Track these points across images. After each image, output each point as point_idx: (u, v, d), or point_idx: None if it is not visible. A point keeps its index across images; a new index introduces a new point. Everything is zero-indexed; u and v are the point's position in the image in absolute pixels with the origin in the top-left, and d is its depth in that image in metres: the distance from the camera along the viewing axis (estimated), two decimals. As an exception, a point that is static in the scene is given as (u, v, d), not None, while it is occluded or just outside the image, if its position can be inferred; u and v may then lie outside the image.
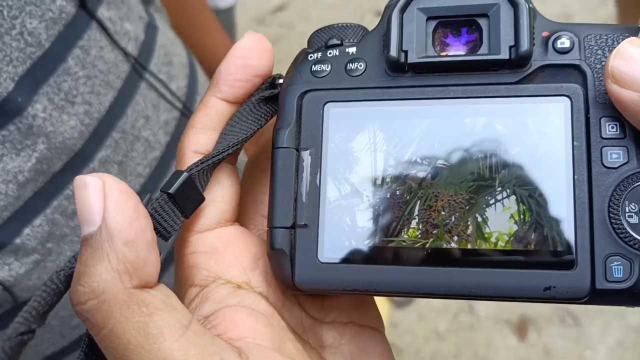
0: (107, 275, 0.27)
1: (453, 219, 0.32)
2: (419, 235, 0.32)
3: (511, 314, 1.78)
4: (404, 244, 0.32)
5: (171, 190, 0.31)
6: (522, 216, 0.31)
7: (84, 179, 0.28)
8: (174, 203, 0.32)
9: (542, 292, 0.30)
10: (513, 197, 0.31)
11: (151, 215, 0.30)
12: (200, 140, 0.34)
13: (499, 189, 0.31)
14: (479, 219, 0.31)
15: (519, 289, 0.30)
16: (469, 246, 0.31)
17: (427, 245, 0.32)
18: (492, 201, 0.31)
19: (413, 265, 0.31)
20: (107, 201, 0.27)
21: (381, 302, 1.80)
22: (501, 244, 0.31)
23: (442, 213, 0.32)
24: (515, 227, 0.31)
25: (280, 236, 0.33)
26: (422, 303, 1.84)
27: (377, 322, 0.36)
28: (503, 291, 0.30)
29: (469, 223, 0.31)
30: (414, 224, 0.32)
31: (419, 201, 0.32)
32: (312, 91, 0.34)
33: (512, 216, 0.31)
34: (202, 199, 0.33)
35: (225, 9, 1.40)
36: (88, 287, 0.27)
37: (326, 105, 0.34)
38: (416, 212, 0.32)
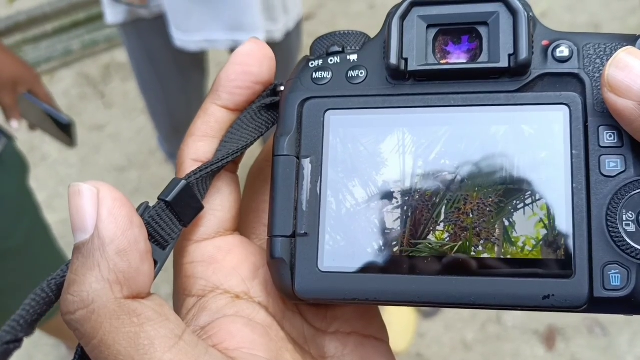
0: (98, 284, 0.26)
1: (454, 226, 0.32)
2: (447, 239, 0.32)
3: (539, 324, 1.77)
4: (415, 251, 0.31)
5: (169, 198, 0.31)
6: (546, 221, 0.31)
7: (78, 186, 0.28)
8: (171, 211, 0.31)
9: (541, 300, 0.30)
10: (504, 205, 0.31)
11: (148, 223, 0.30)
12: (199, 148, 0.33)
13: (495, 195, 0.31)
14: (505, 223, 0.31)
15: (518, 297, 0.30)
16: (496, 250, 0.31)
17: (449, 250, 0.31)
18: (496, 208, 0.31)
19: (412, 274, 0.31)
20: (100, 209, 0.27)
21: (408, 313, 1.80)
22: (528, 249, 0.30)
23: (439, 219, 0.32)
24: (544, 232, 0.31)
25: (280, 245, 0.32)
26: (449, 313, 1.83)
27: (381, 333, 0.36)
28: (503, 300, 0.30)
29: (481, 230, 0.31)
30: (440, 226, 0.32)
31: (441, 206, 0.32)
32: (313, 98, 0.34)
33: (535, 221, 0.31)
34: (201, 208, 0.33)
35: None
36: (78, 296, 0.26)
37: (327, 113, 0.33)
38: (442, 216, 0.32)
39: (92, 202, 0.27)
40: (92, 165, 2.35)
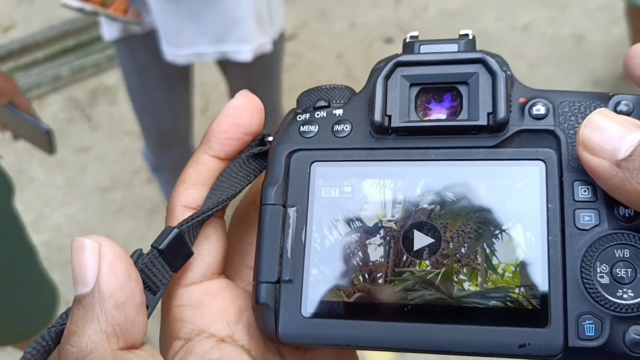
0: (96, 336, 0.28)
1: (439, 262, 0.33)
2: (430, 266, 0.33)
3: None
4: (388, 299, 0.32)
5: (162, 247, 0.32)
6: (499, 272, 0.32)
7: (81, 240, 0.29)
8: (164, 258, 0.32)
9: (517, 349, 0.30)
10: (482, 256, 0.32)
11: (141, 270, 0.31)
12: (190, 195, 0.35)
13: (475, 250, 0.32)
14: (487, 251, 0.32)
15: (495, 345, 0.30)
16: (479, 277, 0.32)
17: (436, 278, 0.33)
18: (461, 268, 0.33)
19: (393, 321, 0.32)
20: (101, 264, 0.29)
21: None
22: (508, 275, 0.32)
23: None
24: (521, 282, 0.32)
25: (265, 291, 0.33)
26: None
27: None
28: (479, 347, 0.31)
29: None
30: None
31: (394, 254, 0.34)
32: (300, 151, 0.35)
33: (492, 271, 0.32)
34: (191, 254, 0.34)
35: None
36: (76, 347, 0.28)
37: (313, 165, 0.35)
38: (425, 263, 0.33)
39: (93, 257, 0.29)
40: (77, 187, 2.37)
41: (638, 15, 2.00)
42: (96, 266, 0.29)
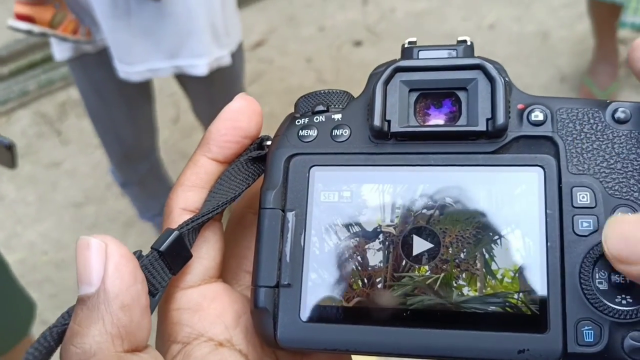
0: (100, 338, 0.27)
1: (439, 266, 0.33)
2: (429, 271, 0.33)
3: None
4: (387, 304, 0.32)
5: (162, 249, 0.32)
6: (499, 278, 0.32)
7: (87, 239, 0.29)
8: (163, 260, 0.32)
9: (516, 354, 0.30)
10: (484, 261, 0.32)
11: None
12: (189, 198, 0.35)
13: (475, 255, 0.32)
14: (486, 256, 0.32)
15: (494, 351, 0.31)
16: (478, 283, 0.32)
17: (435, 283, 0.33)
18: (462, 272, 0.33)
19: (392, 326, 0.32)
20: (107, 264, 0.28)
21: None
22: (507, 280, 0.32)
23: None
24: (520, 288, 0.32)
25: (263, 295, 0.33)
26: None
27: None
28: (479, 353, 0.31)
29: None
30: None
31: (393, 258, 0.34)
32: (299, 155, 0.35)
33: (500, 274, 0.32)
34: (190, 256, 0.34)
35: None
36: (80, 348, 0.27)
37: (312, 169, 0.35)
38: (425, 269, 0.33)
39: (99, 257, 0.28)
40: (49, 203, 2.34)
41: (601, 10, 2.03)
42: (102, 266, 0.28)
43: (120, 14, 1.34)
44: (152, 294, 0.32)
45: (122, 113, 1.62)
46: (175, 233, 0.32)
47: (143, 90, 1.62)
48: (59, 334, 0.29)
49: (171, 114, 2.48)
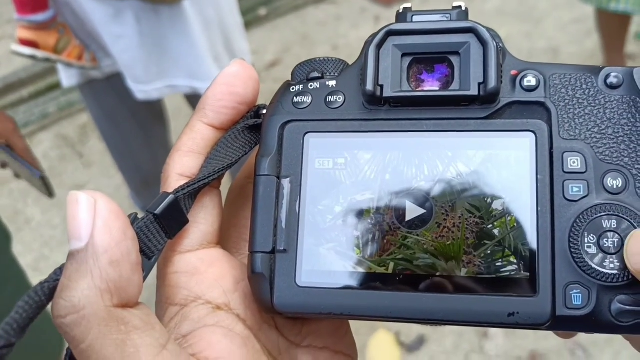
0: (89, 292, 0.27)
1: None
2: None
3: (521, 351, 1.78)
4: (380, 269, 0.33)
5: (157, 211, 0.32)
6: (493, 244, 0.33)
7: (76, 195, 0.29)
8: (159, 224, 0.32)
9: (506, 317, 0.31)
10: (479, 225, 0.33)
11: (136, 234, 0.31)
12: (185, 163, 0.35)
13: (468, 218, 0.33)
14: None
15: (484, 314, 0.31)
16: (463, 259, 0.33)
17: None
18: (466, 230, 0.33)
19: (385, 291, 0.33)
20: (96, 220, 0.28)
21: (391, 349, 1.81)
22: (472, 269, 0.32)
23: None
24: (510, 252, 0.32)
25: (260, 261, 0.33)
26: (432, 346, 1.85)
27: (350, 349, 0.38)
28: (470, 316, 0.31)
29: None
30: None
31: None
32: (293, 122, 0.35)
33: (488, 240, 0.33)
34: (186, 221, 0.34)
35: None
36: (69, 301, 0.27)
37: (306, 136, 0.35)
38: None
39: (88, 212, 0.28)
40: (75, 225, 2.37)
41: (608, 21, 2.05)
42: (91, 221, 0.28)
43: (130, 34, 1.33)
44: (148, 257, 0.32)
45: (138, 138, 1.61)
46: (171, 197, 0.33)
47: (156, 114, 1.61)
48: (50, 289, 0.29)
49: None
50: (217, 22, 1.41)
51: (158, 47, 1.36)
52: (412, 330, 1.86)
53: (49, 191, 1.45)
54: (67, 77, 1.48)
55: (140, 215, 0.33)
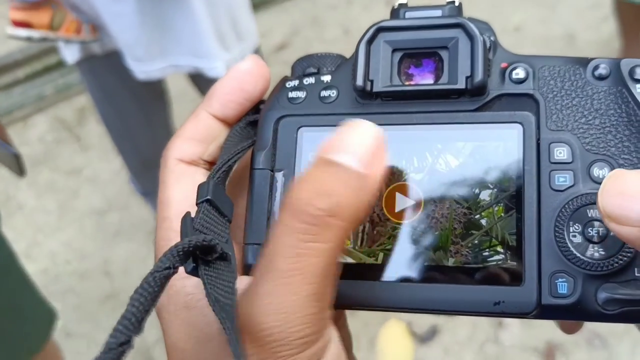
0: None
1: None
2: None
3: (537, 341, 1.73)
4: (370, 259, 0.34)
5: (209, 196, 0.31)
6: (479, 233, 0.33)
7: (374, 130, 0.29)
8: (216, 210, 0.32)
9: (492, 306, 0.31)
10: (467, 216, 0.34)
11: (200, 230, 0.30)
12: (184, 149, 0.35)
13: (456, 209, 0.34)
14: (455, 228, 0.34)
15: (471, 303, 0.32)
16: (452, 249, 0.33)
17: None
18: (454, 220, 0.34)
19: (372, 280, 0.33)
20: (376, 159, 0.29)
21: (404, 341, 1.76)
22: (459, 259, 0.33)
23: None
24: (496, 241, 0.33)
25: (252, 252, 0.34)
26: (445, 337, 1.79)
27: (346, 341, 0.37)
28: (456, 305, 0.32)
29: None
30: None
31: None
32: (288, 116, 0.36)
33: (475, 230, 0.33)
34: (232, 204, 0.33)
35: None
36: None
37: (300, 130, 0.36)
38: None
39: (378, 152, 0.29)
40: (71, 211, 2.30)
41: (627, 10, 2.02)
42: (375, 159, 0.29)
43: (129, 11, 1.28)
44: (224, 254, 0.29)
45: (138, 120, 1.57)
46: (212, 182, 0.32)
47: (157, 95, 1.57)
48: (161, 279, 0.27)
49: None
50: (223, 1, 1.36)
51: (159, 25, 1.32)
52: (425, 320, 1.80)
53: (20, 170, 1.37)
54: (70, 54, 1.42)
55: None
